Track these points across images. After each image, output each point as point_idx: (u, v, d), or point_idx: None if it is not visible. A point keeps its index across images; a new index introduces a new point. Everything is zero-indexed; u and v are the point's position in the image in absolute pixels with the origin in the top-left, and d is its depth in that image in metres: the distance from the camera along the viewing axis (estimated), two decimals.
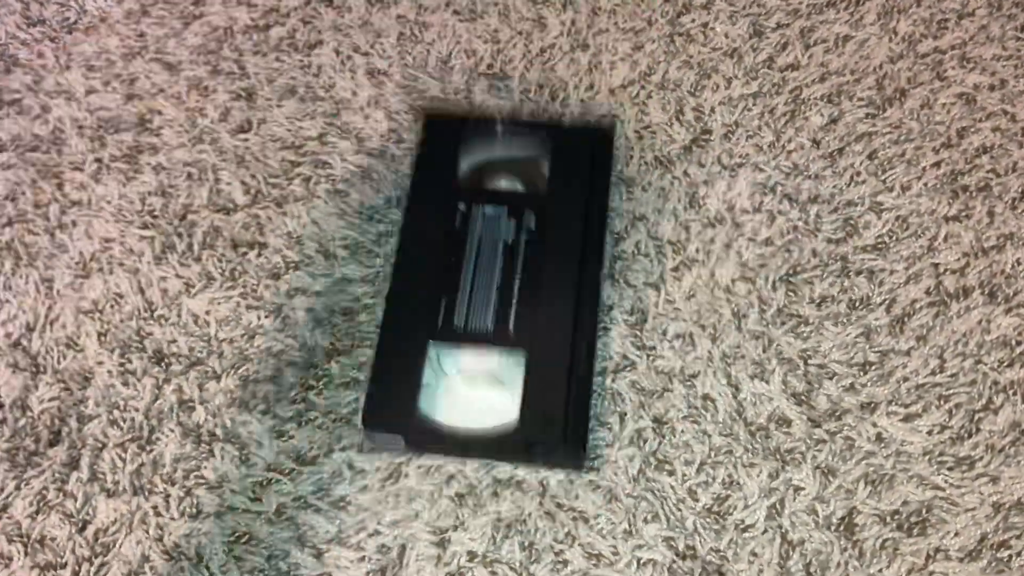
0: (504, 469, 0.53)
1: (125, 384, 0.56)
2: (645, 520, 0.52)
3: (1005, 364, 0.56)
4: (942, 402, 0.55)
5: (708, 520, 0.52)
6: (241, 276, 0.59)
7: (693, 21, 0.67)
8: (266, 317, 0.57)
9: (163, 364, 0.56)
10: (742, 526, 0.52)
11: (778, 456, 0.54)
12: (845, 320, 0.57)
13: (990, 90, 0.65)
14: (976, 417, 0.55)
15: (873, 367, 0.56)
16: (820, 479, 0.53)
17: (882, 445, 0.54)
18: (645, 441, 0.54)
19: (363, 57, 0.66)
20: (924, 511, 0.52)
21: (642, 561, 0.51)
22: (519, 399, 0.53)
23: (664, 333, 0.57)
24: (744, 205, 0.61)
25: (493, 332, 0.55)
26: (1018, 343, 0.57)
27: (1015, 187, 0.61)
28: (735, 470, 0.53)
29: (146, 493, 0.53)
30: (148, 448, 0.54)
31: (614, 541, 0.52)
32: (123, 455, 0.54)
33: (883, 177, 0.62)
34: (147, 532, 0.52)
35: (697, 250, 0.59)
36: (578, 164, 0.60)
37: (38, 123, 0.63)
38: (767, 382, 0.56)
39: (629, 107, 0.64)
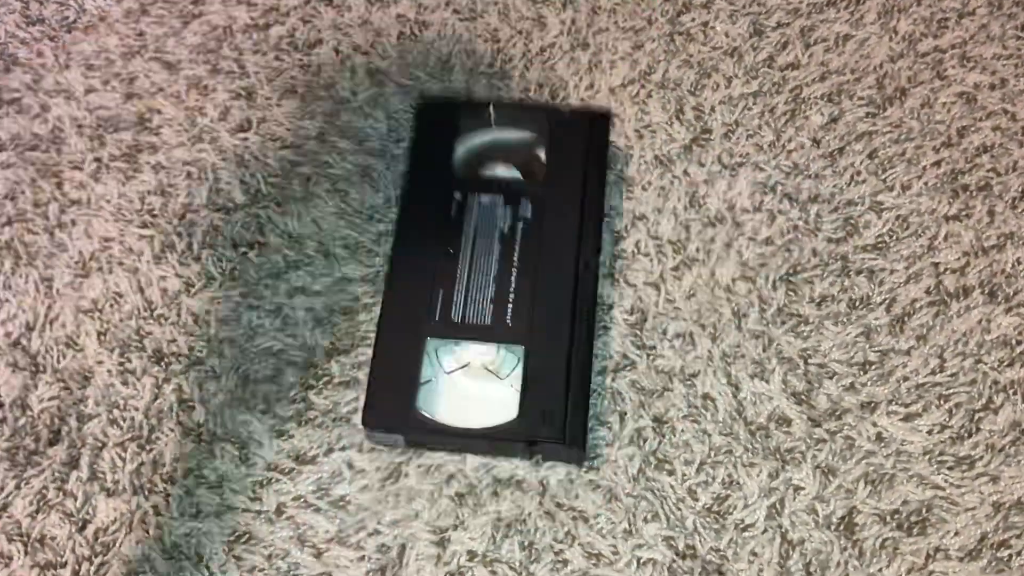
0: (504, 468, 0.53)
1: (125, 383, 0.56)
2: (645, 519, 0.52)
3: (1005, 363, 0.56)
4: (942, 402, 0.55)
5: (708, 520, 0.52)
6: (241, 275, 0.59)
7: (693, 20, 0.67)
8: (266, 316, 0.57)
9: (163, 363, 0.56)
10: (742, 525, 0.52)
11: (778, 456, 0.54)
12: (845, 319, 0.57)
13: (990, 89, 0.65)
14: (976, 417, 0.55)
15: (873, 366, 0.56)
16: (820, 479, 0.53)
17: (882, 444, 0.54)
18: (645, 440, 0.54)
19: (363, 56, 0.66)
20: (924, 510, 0.52)
21: (642, 560, 0.51)
22: (518, 394, 0.53)
23: (664, 332, 0.57)
24: (744, 204, 0.61)
25: (491, 326, 0.55)
26: (1018, 342, 0.57)
27: (1015, 186, 0.61)
28: (735, 470, 0.53)
29: (146, 492, 0.53)
30: (148, 447, 0.54)
31: (614, 540, 0.52)
32: (123, 454, 0.54)
33: (883, 176, 0.62)
34: (147, 531, 0.52)
35: (697, 249, 0.59)
36: (575, 148, 0.59)
37: (37, 122, 0.63)
38: (767, 381, 0.56)
39: (629, 106, 0.64)
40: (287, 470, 0.54)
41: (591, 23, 0.67)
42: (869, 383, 0.56)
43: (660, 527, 0.52)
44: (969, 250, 0.59)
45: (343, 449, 0.54)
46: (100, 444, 0.54)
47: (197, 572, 0.51)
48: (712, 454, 0.54)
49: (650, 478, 0.53)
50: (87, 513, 0.53)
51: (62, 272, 0.58)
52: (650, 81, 0.65)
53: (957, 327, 0.57)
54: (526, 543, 0.52)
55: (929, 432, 0.54)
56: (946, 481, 0.53)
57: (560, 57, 0.66)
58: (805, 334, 0.57)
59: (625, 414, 0.55)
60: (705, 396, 0.55)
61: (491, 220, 0.57)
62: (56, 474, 0.53)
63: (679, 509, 0.53)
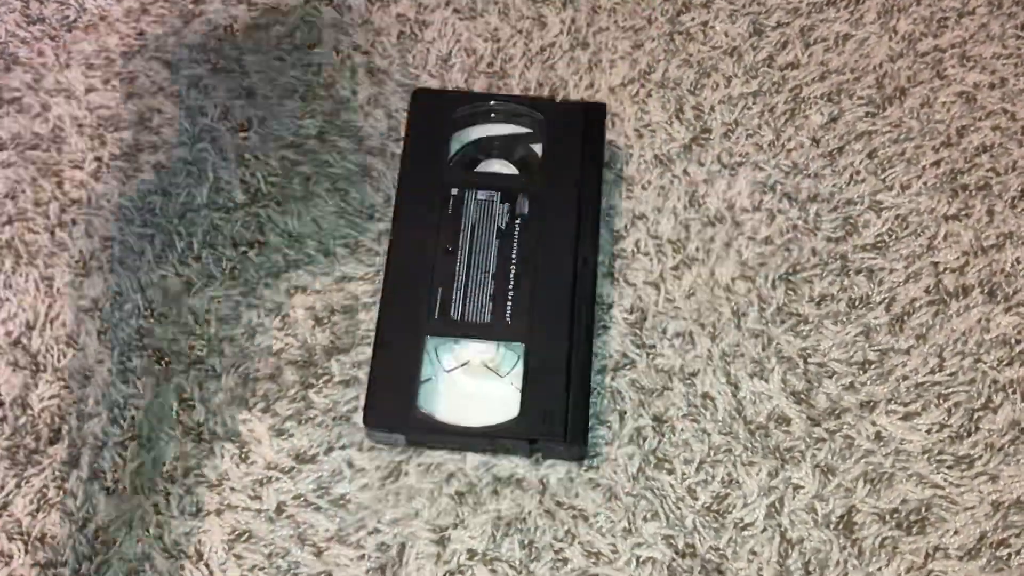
0: (504, 467, 0.54)
1: (125, 382, 0.56)
2: (644, 518, 0.52)
3: (1004, 363, 0.56)
4: (941, 401, 0.55)
5: (707, 518, 0.52)
6: (241, 275, 0.59)
7: (693, 19, 0.67)
8: (266, 315, 0.57)
9: (163, 362, 0.56)
10: (741, 524, 0.52)
11: (777, 455, 0.54)
12: (844, 319, 0.57)
13: (990, 89, 0.65)
14: (975, 416, 0.55)
15: (872, 366, 0.56)
16: (819, 477, 0.53)
17: (881, 444, 0.54)
18: (645, 439, 0.54)
19: (363, 56, 0.66)
20: (923, 509, 0.53)
21: (641, 559, 0.51)
22: (519, 392, 0.53)
23: (664, 331, 0.57)
24: (744, 204, 0.61)
25: (491, 323, 0.55)
26: (1017, 342, 0.57)
27: (1015, 186, 0.61)
28: (734, 468, 0.53)
29: (146, 491, 0.53)
30: (148, 446, 0.54)
31: (613, 539, 0.52)
32: (123, 453, 0.54)
33: (883, 176, 0.62)
34: (147, 530, 0.52)
35: (697, 249, 0.59)
36: (571, 142, 0.59)
37: (38, 121, 0.63)
38: (766, 381, 0.56)
39: (629, 105, 0.64)
40: (287, 469, 0.54)
41: (591, 22, 0.67)
42: (868, 382, 0.56)
43: (660, 526, 0.52)
44: (968, 249, 0.59)
45: (343, 448, 0.54)
46: (100, 443, 0.54)
47: (197, 570, 0.51)
48: (712, 453, 0.54)
49: (650, 477, 0.53)
50: (87, 512, 0.53)
51: (63, 271, 0.59)
52: (650, 80, 0.65)
53: (956, 326, 0.57)
54: (526, 541, 0.52)
55: (928, 431, 0.54)
56: (945, 480, 0.53)
57: (560, 56, 0.66)
58: (804, 333, 0.57)
59: (625, 413, 0.55)
60: (705, 395, 0.55)
61: (488, 217, 0.57)
62: (56, 473, 0.53)
63: (679, 508, 0.53)
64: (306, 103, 0.64)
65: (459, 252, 0.56)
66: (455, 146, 0.60)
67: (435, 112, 0.60)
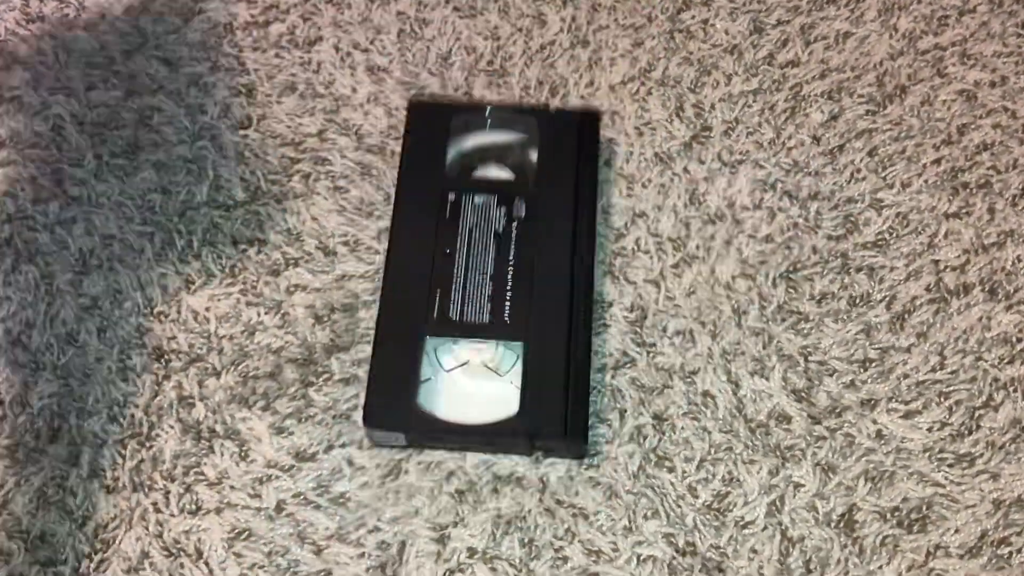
0: (504, 465, 0.53)
1: (125, 380, 0.56)
2: (645, 516, 0.52)
3: (1005, 361, 0.56)
4: (942, 399, 0.55)
5: (708, 517, 0.52)
6: (241, 272, 0.59)
7: (693, 17, 0.67)
8: (266, 313, 0.57)
9: (163, 360, 0.56)
10: (742, 523, 0.52)
11: (778, 453, 0.54)
12: (845, 317, 0.57)
13: (991, 87, 0.65)
14: (976, 414, 0.55)
15: (873, 364, 0.56)
16: (820, 476, 0.53)
17: (882, 442, 0.54)
18: (645, 438, 0.54)
19: (363, 53, 0.66)
20: (924, 508, 0.52)
21: (642, 558, 0.51)
22: (519, 391, 0.53)
23: (664, 330, 0.57)
24: (744, 202, 0.61)
25: (489, 323, 0.55)
26: (1018, 340, 0.57)
27: (1015, 184, 0.61)
28: (735, 467, 0.53)
29: (146, 489, 0.53)
30: (148, 444, 0.54)
31: (614, 537, 0.52)
32: (123, 451, 0.54)
33: (883, 174, 0.62)
34: (147, 528, 0.52)
35: (697, 247, 0.59)
36: (567, 148, 0.59)
37: (38, 119, 0.63)
38: (767, 379, 0.56)
39: (629, 103, 0.64)
40: (287, 467, 0.54)
41: (591, 20, 0.67)
42: (869, 380, 0.56)
43: (660, 524, 0.52)
44: (969, 247, 0.59)
45: (343, 446, 0.54)
46: (100, 441, 0.54)
47: (197, 569, 0.51)
48: (712, 451, 0.54)
49: (650, 475, 0.53)
50: (87, 510, 0.53)
51: (62, 269, 0.58)
52: (650, 78, 0.65)
53: (957, 324, 0.57)
54: (526, 540, 0.52)
55: (929, 429, 0.54)
56: (946, 478, 0.53)
57: (560, 55, 0.66)
58: (805, 331, 0.57)
59: (625, 411, 0.55)
60: (705, 393, 0.55)
61: (486, 220, 0.57)
62: (56, 471, 0.53)
63: (679, 506, 0.53)
64: (306, 101, 0.64)
65: (457, 255, 0.56)
66: (452, 153, 0.60)
67: (431, 121, 0.60)
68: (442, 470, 0.53)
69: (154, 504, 0.53)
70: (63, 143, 0.62)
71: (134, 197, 0.61)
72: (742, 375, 0.56)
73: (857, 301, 0.58)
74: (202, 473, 0.53)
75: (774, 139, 0.63)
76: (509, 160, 0.61)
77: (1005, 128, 0.63)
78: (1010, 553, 0.51)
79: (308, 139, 0.63)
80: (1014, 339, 0.57)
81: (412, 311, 0.55)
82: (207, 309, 0.58)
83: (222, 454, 0.54)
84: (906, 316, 0.57)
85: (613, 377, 0.56)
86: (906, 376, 0.56)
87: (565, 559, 0.51)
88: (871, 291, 0.58)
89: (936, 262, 0.59)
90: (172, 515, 0.52)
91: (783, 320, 0.57)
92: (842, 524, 0.52)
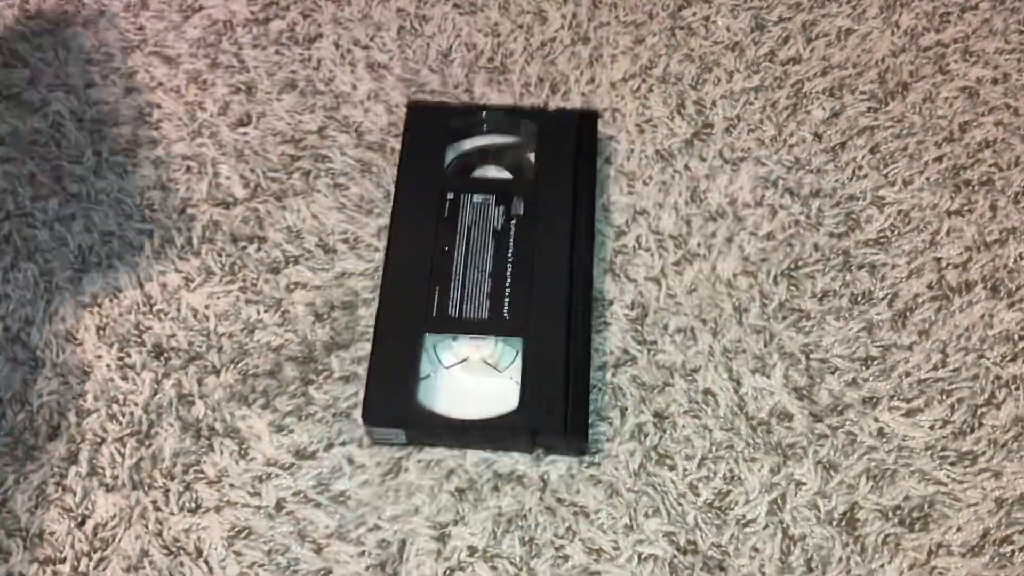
0: (504, 463, 0.53)
1: (124, 378, 0.55)
2: (646, 515, 0.52)
3: (1008, 359, 0.56)
4: (944, 397, 0.55)
5: (709, 515, 0.52)
6: (240, 270, 0.58)
7: (694, 14, 0.67)
8: (265, 311, 0.57)
9: (162, 358, 0.56)
10: (743, 521, 0.52)
11: (779, 451, 0.54)
12: (847, 315, 0.57)
13: (993, 84, 0.64)
14: (978, 412, 0.55)
15: (875, 362, 0.56)
16: (822, 474, 0.53)
17: (884, 440, 0.54)
18: (646, 436, 0.54)
19: (363, 50, 0.66)
20: (926, 506, 0.52)
21: (643, 556, 0.51)
22: (518, 386, 0.53)
23: (665, 327, 0.57)
24: (746, 199, 0.60)
25: (488, 320, 0.55)
26: (1021, 338, 0.57)
27: (1018, 181, 0.61)
28: (736, 465, 0.53)
29: (145, 488, 0.53)
30: (147, 443, 0.54)
31: (615, 536, 0.52)
32: (122, 449, 0.54)
33: (885, 171, 0.61)
34: (146, 527, 0.52)
35: (698, 244, 0.59)
36: (564, 148, 0.59)
37: (37, 116, 0.63)
38: (768, 377, 0.55)
39: (630, 100, 0.64)
40: (287, 465, 0.53)
41: (592, 17, 0.67)
42: (871, 378, 0.55)
43: (661, 522, 0.52)
44: (971, 245, 0.59)
45: (343, 444, 0.54)
46: (99, 439, 0.54)
47: (196, 567, 0.51)
48: (713, 449, 0.54)
49: (651, 473, 0.53)
50: (86, 508, 0.52)
51: (62, 266, 0.58)
52: (651, 75, 0.65)
53: (959, 322, 0.57)
54: (527, 538, 0.52)
55: (931, 427, 0.54)
56: (948, 477, 0.53)
57: (561, 51, 0.66)
58: (807, 329, 0.57)
59: (626, 409, 0.55)
60: (706, 391, 0.55)
61: (484, 218, 0.57)
62: (55, 469, 0.53)
63: (680, 504, 0.52)
64: (306, 98, 0.64)
65: (456, 253, 0.56)
66: (450, 155, 0.60)
67: (430, 124, 0.60)
68: (442, 468, 0.53)
69: (154, 502, 0.53)
70: (62, 140, 0.62)
71: (133, 194, 0.61)
72: (743, 373, 0.55)
73: (859, 299, 0.58)
74: (202, 471, 0.53)
75: (776, 136, 0.63)
76: (507, 161, 0.61)
77: (1007, 125, 0.63)
78: (1012, 551, 0.51)
79: (308, 136, 0.63)
80: (1016, 337, 0.57)
81: (411, 308, 0.55)
82: (207, 307, 0.57)
83: (222, 452, 0.54)
84: (908, 314, 0.57)
85: (614, 375, 0.55)
86: (908, 374, 0.56)
87: (566, 557, 0.51)
88: (873, 289, 0.58)
89: (938, 259, 0.59)
90: (172, 513, 0.52)
91: (784, 318, 0.57)
92: (844, 522, 0.52)
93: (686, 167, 0.62)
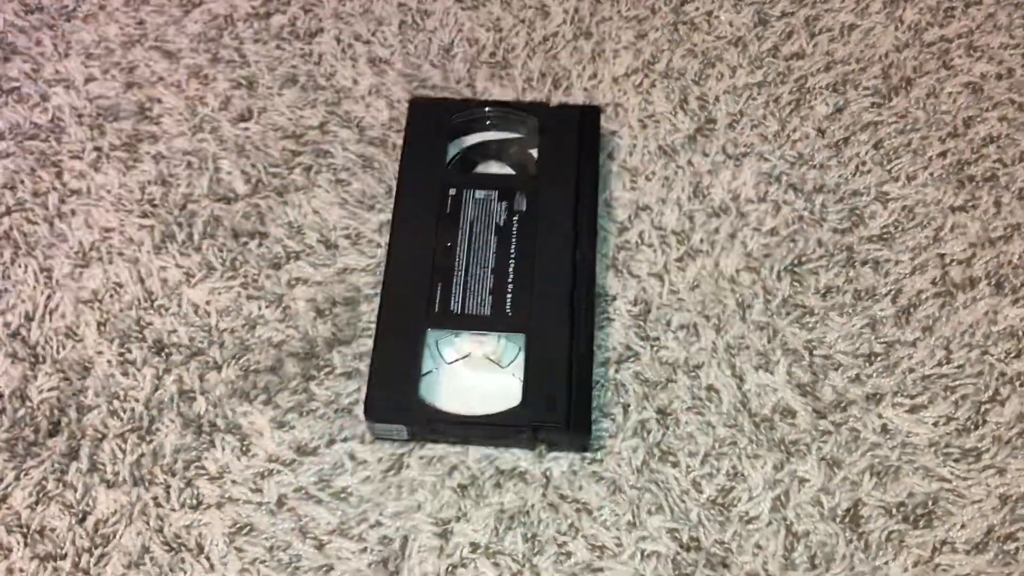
0: (507, 460, 0.53)
1: (125, 374, 0.55)
2: (649, 512, 0.52)
3: (1012, 355, 0.56)
4: (948, 393, 0.55)
5: (712, 512, 0.52)
6: (242, 266, 0.58)
7: (697, 9, 0.67)
8: (267, 307, 0.57)
9: (163, 354, 0.56)
10: (746, 518, 0.52)
11: (783, 447, 0.53)
12: (850, 311, 0.57)
13: (997, 79, 0.64)
14: (983, 408, 0.54)
15: (879, 358, 0.56)
16: (825, 471, 0.53)
17: (888, 437, 0.54)
18: (649, 432, 0.54)
19: (364, 45, 0.65)
20: (930, 503, 0.52)
21: (646, 553, 0.51)
22: (520, 382, 0.53)
23: (668, 324, 0.57)
24: (749, 195, 0.60)
25: (491, 316, 0.54)
26: None
27: (1022, 177, 0.61)
28: (739, 461, 0.53)
29: (146, 484, 0.53)
30: (148, 439, 0.54)
31: (618, 533, 0.52)
32: (123, 445, 0.53)
33: (889, 167, 0.61)
34: (147, 523, 0.52)
35: (701, 240, 0.59)
36: (567, 143, 0.59)
37: (37, 111, 0.63)
38: (772, 373, 0.55)
39: (633, 96, 0.64)
40: (288, 461, 0.53)
41: (594, 12, 0.66)
42: (875, 375, 0.55)
43: (664, 519, 0.52)
44: (975, 241, 0.59)
45: (345, 440, 0.54)
46: (100, 435, 0.54)
47: (198, 564, 0.51)
48: (716, 446, 0.53)
49: (654, 470, 0.53)
50: (87, 504, 0.52)
51: (62, 262, 0.58)
52: (654, 71, 0.64)
53: (963, 318, 0.57)
54: (529, 535, 0.51)
55: (935, 424, 0.54)
56: (952, 473, 0.53)
57: (563, 46, 0.65)
58: (810, 325, 0.57)
59: (629, 406, 0.54)
60: (709, 388, 0.55)
61: (487, 214, 0.57)
62: (56, 465, 0.53)
63: (683, 501, 0.52)
64: (307, 93, 0.64)
65: (458, 248, 0.56)
66: (452, 151, 0.60)
67: (432, 119, 0.60)
68: (444, 464, 0.53)
69: (155, 499, 0.52)
70: (62, 135, 0.62)
71: (134, 190, 0.60)
72: (746, 369, 0.55)
73: (862, 295, 0.57)
74: (203, 467, 0.53)
75: (779, 132, 0.62)
76: (509, 157, 0.61)
77: (1012, 121, 0.63)
78: (1016, 549, 0.51)
79: (309, 131, 0.62)
80: (1020, 333, 0.56)
81: (413, 304, 0.55)
82: (208, 302, 0.57)
83: (223, 448, 0.53)
84: (912, 310, 0.57)
85: (617, 371, 0.55)
86: (912, 370, 0.55)
87: (568, 554, 0.51)
88: (876, 285, 0.58)
89: (942, 256, 0.59)
90: (173, 510, 0.52)
91: (788, 314, 0.57)
92: (847, 519, 0.52)
93: (689, 163, 0.61)
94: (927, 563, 0.51)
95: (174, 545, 0.51)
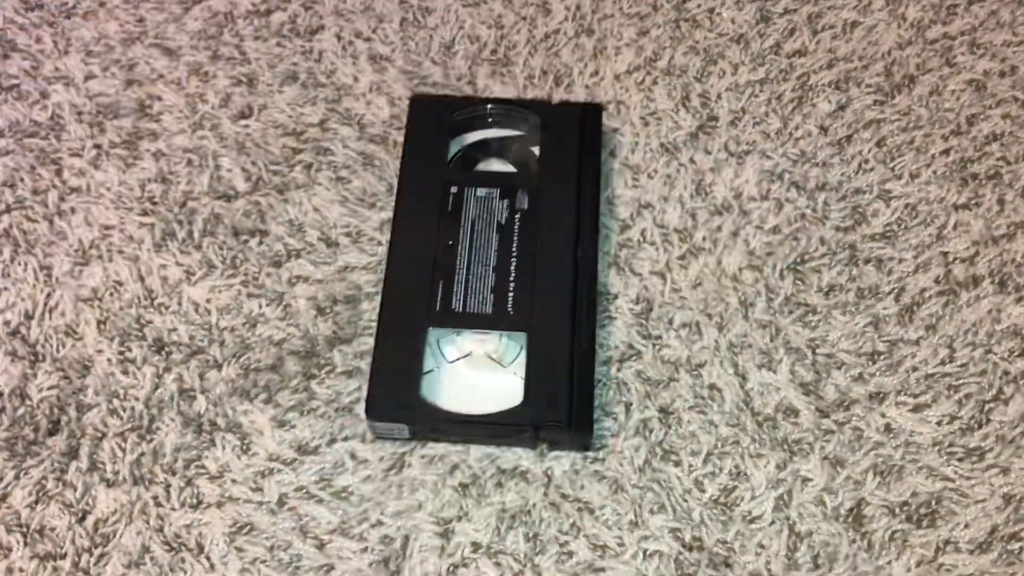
0: (508, 459, 0.53)
1: (125, 373, 0.55)
2: (651, 511, 0.52)
3: (1016, 354, 0.56)
4: (952, 392, 0.55)
5: (715, 511, 0.52)
6: (242, 264, 0.58)
7: (699, 6, 0.66)
8: (267, 305, 0.57)
9: (163, 352, 0.56)
10: (749, 517, 0.52)
11: (786, 447, 0.53)
12: (853, 309, 0.57)
13: (1000, 76, 0.64)
14: (986, 407, 0.54)
15: (882, 357, 0.55)
16: (828, 470, 0.53)
17: (891, 436, 0.53)
18: (651, 431, 0.54)
19: (365, 42, 0.65)
20: (933, 502, 0.52)
21: (648, 552, 0.51)
22: (522, 381, 0.52)
23: (670, 322, 0.56)
24: (751, 192, 0.60)
25: (492, 314, 0.54)
26: None
27: None
28: (742, 461, 0.53)
29: (146, 483, 0.52)
30: (148, 437, 0.53)
31: (620, 532, 0.51)
32: (123, 444, 0.53)
33: (892, 165, 0.61)
34: (147, 522, 0.52)
35: (704, 238, 0.59)
36: (568, 141, 0.59)
37: (36, 109, 0.63)
38: (774, 372, 0.55)
39: (635, 93, 0.63)
40: (289, 460, 0.53)
41: (596, 9, 0.66)
42: (878, 373, 0.55)
43: (666, 519, 0.52)
44: (979, 239, 0.59)
45: (346, 439, 0.53)
46: (100, 434, 0.53)
47: (198, 563, 0.51)
48: (719, 445, 0.53)
49: (656, 469, 0.53)
50: (87, 504, 0.52)
51: (61, 260, 0.58)
52: (656, 68, 0.64)
53: (967, 317, 0.57)
54: (531, 534, 0.51)
55: (939, 423, 0.54)
56: (956, 473, 0.53)
57: (565, 43, 0.65)
58: (813, 324, 0.56)
59: (631, 405, 0.54)
60: (712, 386, 0.55)
61: (488, 212, 0.57)
62: (55, 464, 0.53)
63: (686, 500, 0.52)
64: (307, 90, 0.63)
65: (459, 247, 0.56)
66: (454, 148, 0.60)
67: (433, 117, 0.60)
68: (446, 463, 0.53)
69: (155, 498, 0.52)
70: (62, 132, 0.62)
71: (134, 187, 0.60)
72: (749, 368, 0.55)
73: (865, 293, 0.57)
74: (203, 467, 0.53)
75: (781, 129, 0.62)
76: (511, 154, 0.61)
77: (1015, 118, 0.62)
78: (1020, 548, 0.51)
79: (310, 129, 0.62)
80: None
81: (415, 302, 0.54)
82: (208, 301, 0.57)
83: (223, 447, 0.53)
84: (915, 308, 0.57)
85: (619, 370, 0.55)
86: (915, 369, 0.55)
87: (570, 554, 0.51)
88: (879, 283, 0.57)
89: (945, 254, 0.58)
90: (173, 509, 0.52)
91: (791, 312, 0.57)
92: (850, 519, 0.52)
93: (691, 160, 0.61)
94: (930, 563, 0.51)
95: (174, 545, 0.51)
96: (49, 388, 0.55)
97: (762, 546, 0.51)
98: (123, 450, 0.53)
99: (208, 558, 0.51)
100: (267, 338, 0.56)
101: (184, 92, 0.63)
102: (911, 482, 0.52)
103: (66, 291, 0.57)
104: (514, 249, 0.56)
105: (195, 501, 0.52)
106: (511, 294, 0.55)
